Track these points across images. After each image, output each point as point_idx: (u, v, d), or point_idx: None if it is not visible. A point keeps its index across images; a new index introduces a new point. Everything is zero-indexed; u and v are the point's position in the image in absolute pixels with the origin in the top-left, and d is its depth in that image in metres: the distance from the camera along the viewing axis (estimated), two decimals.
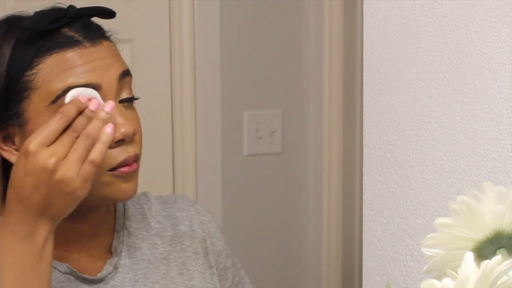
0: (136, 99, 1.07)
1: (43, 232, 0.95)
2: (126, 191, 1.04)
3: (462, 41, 1.22)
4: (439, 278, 0.69)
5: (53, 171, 0.92)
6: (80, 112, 0.95)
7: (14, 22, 1.04)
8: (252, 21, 2.20)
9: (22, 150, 0.93)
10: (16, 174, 0.94)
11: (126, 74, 1.05)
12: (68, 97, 0.98)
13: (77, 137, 0.94)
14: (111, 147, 1.01)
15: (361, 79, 1.45)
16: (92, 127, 0.94)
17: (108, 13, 1.06)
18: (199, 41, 2.13)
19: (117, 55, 1.06)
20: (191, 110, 2.15)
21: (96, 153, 0.94)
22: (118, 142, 1.02)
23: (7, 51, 1.01)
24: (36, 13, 1.03)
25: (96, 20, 1.08)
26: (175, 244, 1.18)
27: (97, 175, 1.00)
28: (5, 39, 1.02)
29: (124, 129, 1.02)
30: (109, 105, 0.97)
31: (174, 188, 2.18)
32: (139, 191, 1.23)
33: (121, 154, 1.02)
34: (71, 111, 0.95)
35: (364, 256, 1.39)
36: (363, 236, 1.38)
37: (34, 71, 1.00)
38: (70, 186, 0.92)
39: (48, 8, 1.04)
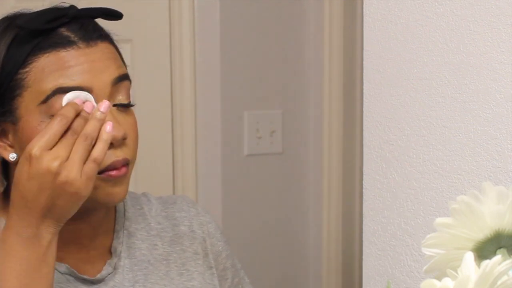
0: (131, 105, 1.06)
1: (47, 234, 0.96)
2: (114, 195, 1.04)
3: (462, 41, 1.22)
4: (439, 278, 0.69)
5: (57, 173, 0.93)
6: (77, 114, 0.97)
7: (13, 20, 1.04)
8: (252, 21, 2.20)
9: (25, 154, 0.94)
10: (20, 179, 0.95)
11: (122, 78, 1.04)
12: (65, 100, 0.98)
13: (77, 138, 0.95)
14: None
15: (361, 79, 1.45)
16: (90, 127, 0.96)
17: (114, 15, 1.06)
18: (199, 41, 2.13)
19: (113, 58, 1.04)
20: (191, 110, 2.15)
21: (98, 151, 0.95)
22: None
23: (3, 49, 1.01)
24: (35, 12, 1.03)
25: (99, 21, 1.06)
26: (175, 245, 1.18)
27: None
28: (2, 37, 1.02)
29: (113, 132, 1.00)
30: (104, 105, 0.97)
31: (174, 188, 2.18)
32: (140, 191, 1.23)
33: (108, 157, 1.01)
34: (69, 113, 0.96)
35: (364, 256, 1.39)
36: (363, 236, 1.38)
37: (27, 69, 1.00)
38: (74, 186, 0.93)
39: (48, 7, 1.04)
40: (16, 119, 1.02)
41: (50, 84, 0.99)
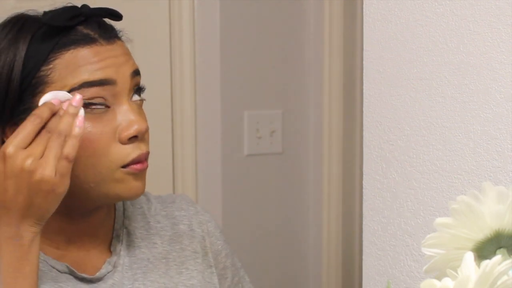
0: (144, 89, 1.09)
1: (28, 234, 0.96)
2: (136, 189, 1.05)
3: (462, 41, 1.22)
4: (439, 278, 0.69)
5: (31, 171, 0.94)
6: (54, 114, 0.98)
7: (27, 19, 1.06)
8: (252, 21, 2.20)
9: (1, 154, 0.95)
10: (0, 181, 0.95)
11: (137, 73, 1.07)
12: (42, 100, 1.00)
13: (51, 134, 0.96)
14: (124, 143, 1.02)
15: (361, 79, 1.45)
16: (63, 124, 0.96)
17: (117, 15, 1.08)
18: (199, 41, 2.13)
19: (129, 54, 1.08)
20: (191, 110, 2.15)
21: (68, 148, 0.95)
22: (131, 139, 1.03)
23: (23, 47, 1.02)
24: (53, 10, 1.05)
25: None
26: (174, 244, 1.18)
27: (110, 172, 1.02)
28: (20, 36, 1.03)
29: (138, 125, 1.03)
30: (76, 99, 0.98)
31: (174, 188, 2.18)
32: None
33: (134, 151, 1.04)
34: (44, 112, 0.97)
35: (364, 256, 1.39)
36: (363, 236, 1.38)
37: (51, 66, 1.01)
38: (49, 184, 0.94)
39: (61, 7, 1.05)
40: None
41: (76, 79, 1.01)
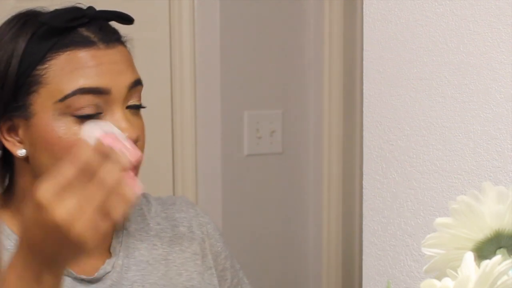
0: (143, 107, 1.07)
1: (50, 278, 0.85)
2: None
3: (462, 41, 1.22)
4: (439, 278, 0.69)
5: (67, 229, 0.79)
6: (98, 154, 0.80)
7: (32, 16, 1.05)
8: (252, 21, 2.19)
9: (34, 200, 0.81)
10: (28, 225, 0.83)
11: (137, 83, 1.06)
12: (85, 132, 0.91)
13: (92, 184, 0.80)
14: None
15: (361, 79, 1.45)
16: (112, 176, 0.79)
17: (127, 19, 1.07)
18: (199, 41, 2.13)
19: (130, 61, 1.07)
20: (191, 110, 2.15)
21: (119, 212, 0.80)
22: None
23: (22, 44, 1.02)
24: (55, 9, 1.04)
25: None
26: (174, 245, 1.18)
27: None
28: (21, 32, 1.03)
29: (128, 134, 1.01)
30: (135, 155, 0.84)
31: (174, 188, 2.18)
32: None
33: None
34: (86, 154, 0.80)
35: (364, 256, 1.39)
36: (363, 236, 1.38)
37: (46, 66, 1.01)
38: (82, 239, 0.80)
39: (68, 6, 1.05)
40: (30, 115, 1.02)
41: (71, 84, 1.00)
